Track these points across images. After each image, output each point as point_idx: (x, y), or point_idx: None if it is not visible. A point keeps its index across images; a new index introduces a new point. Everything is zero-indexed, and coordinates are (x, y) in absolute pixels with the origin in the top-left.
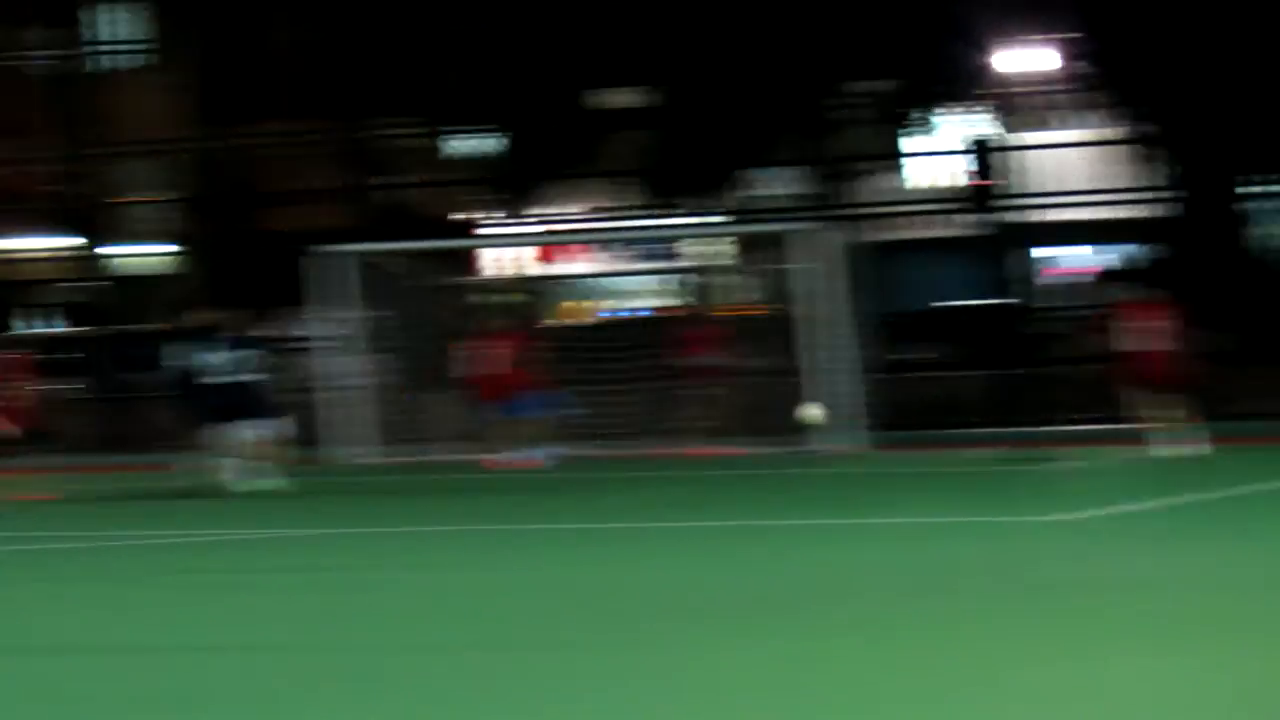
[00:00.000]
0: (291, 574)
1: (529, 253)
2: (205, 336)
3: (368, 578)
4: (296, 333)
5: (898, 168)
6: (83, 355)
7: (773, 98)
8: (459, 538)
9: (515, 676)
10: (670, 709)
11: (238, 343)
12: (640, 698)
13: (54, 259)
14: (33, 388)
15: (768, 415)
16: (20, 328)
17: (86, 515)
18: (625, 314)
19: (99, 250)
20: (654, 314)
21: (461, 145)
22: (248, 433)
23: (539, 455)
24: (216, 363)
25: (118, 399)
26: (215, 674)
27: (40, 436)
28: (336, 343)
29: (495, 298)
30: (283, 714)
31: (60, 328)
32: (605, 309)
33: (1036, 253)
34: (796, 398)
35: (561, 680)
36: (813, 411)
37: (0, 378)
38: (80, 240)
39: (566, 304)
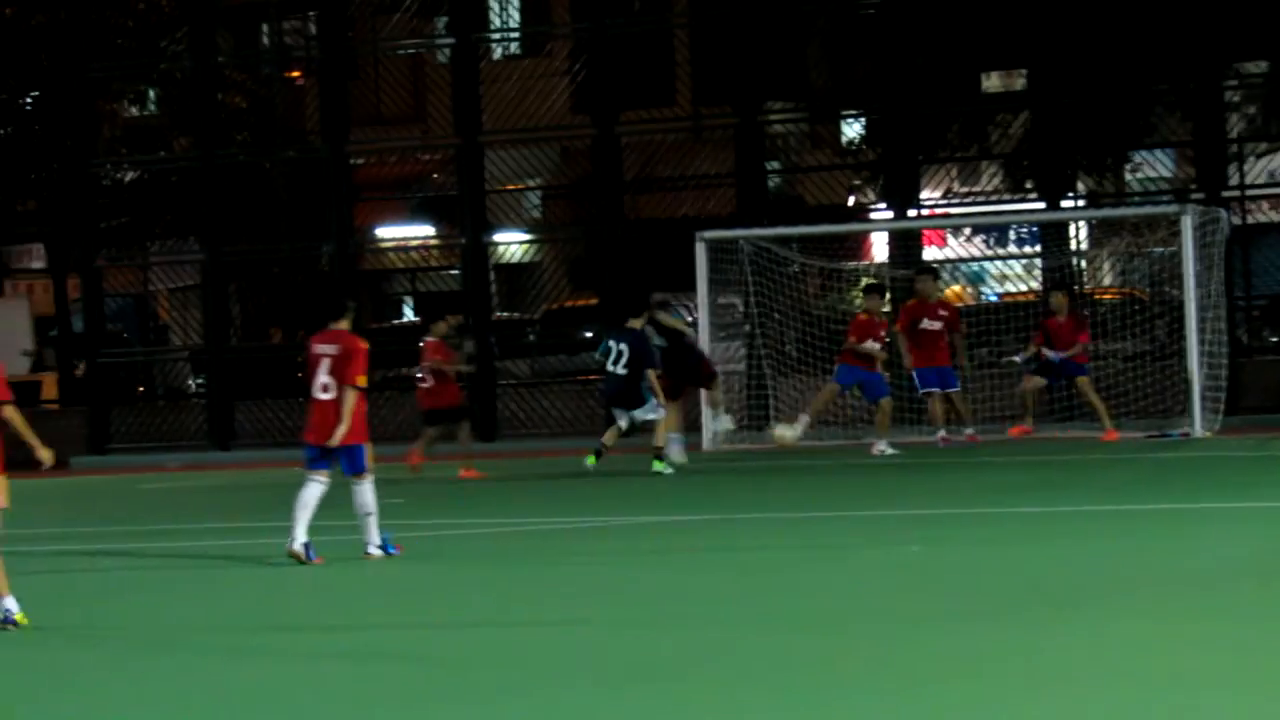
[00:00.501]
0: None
1: (913, 237)
2: (593, 325)
3: (776, 558)
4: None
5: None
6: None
7: (1153, 78)
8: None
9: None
10: (1023, 689)
11: (618, 336)
12: (1011, 675)
13: (441, 246)
14: (450, 370)
15: (1130, 399)
16: (408, 315)
17: (523, 498)
18: (995, 298)
19: (475, 238)
20: (1025, 299)
21: (845, 130)
22: (623, 420)
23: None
24: (603, 354)
25: (501, 385)
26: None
27: (460, 415)
28: (723, 327)
29: (877, 281)
30: (758, 684)
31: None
32: (985, 293)
33: None
34: (1163, 381)
35: (937, 656)
36: (787, 432)
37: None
38: (457, 227)
39: (947, 288)
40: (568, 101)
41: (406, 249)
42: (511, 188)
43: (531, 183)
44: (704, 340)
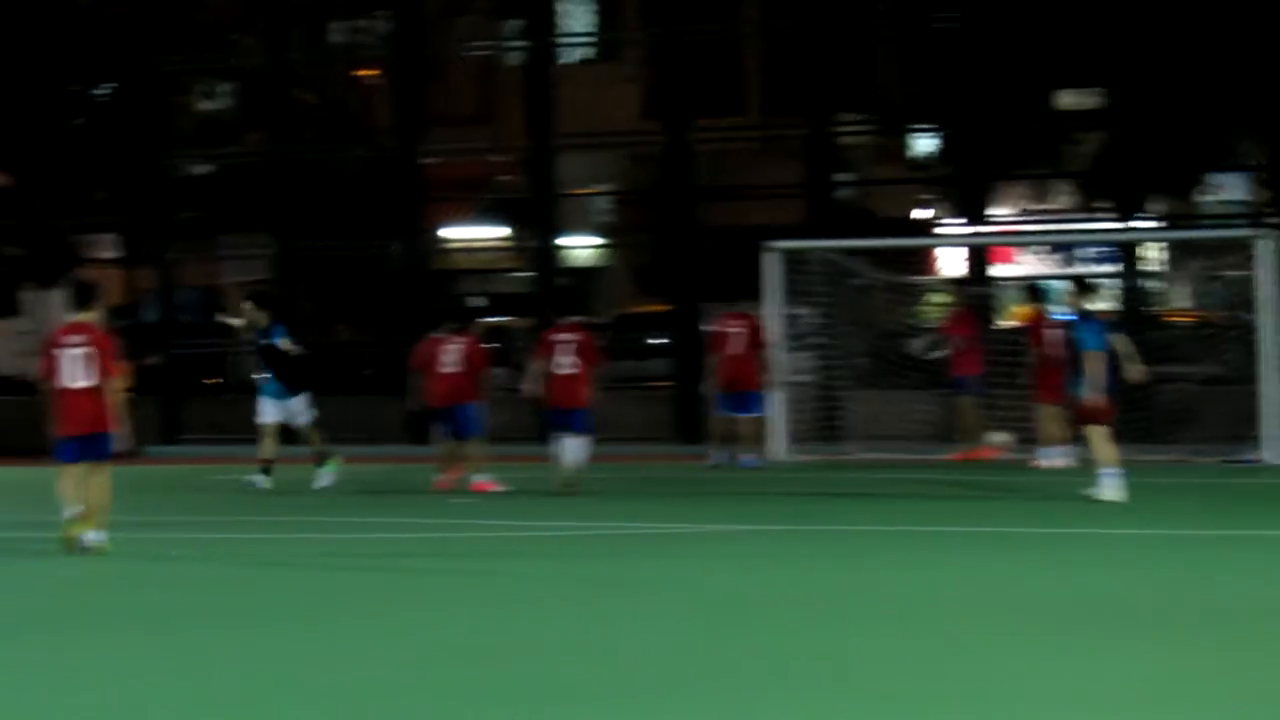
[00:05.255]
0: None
1: (981, 253)
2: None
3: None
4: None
5: None
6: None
7: (1231, 100)
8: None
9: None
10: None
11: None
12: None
13: (504, 248)
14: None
15: (1202, 424)
16: (470, 317)
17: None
18: (1064, 318)
19: (544, 241)
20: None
21: (917, 144)
22: None
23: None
24: None
25: None
26: None
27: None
28: (789, 338)
29: (945, 297)
30: None
31: (507, 317)
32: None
33: None
34: (1235, 406)
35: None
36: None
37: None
38: (526, 230)
39: (1015, 306)
40: (638, 107)
41: (474, 250)
42: (581, 192)
43: (601, 187)
44: (779, 350)
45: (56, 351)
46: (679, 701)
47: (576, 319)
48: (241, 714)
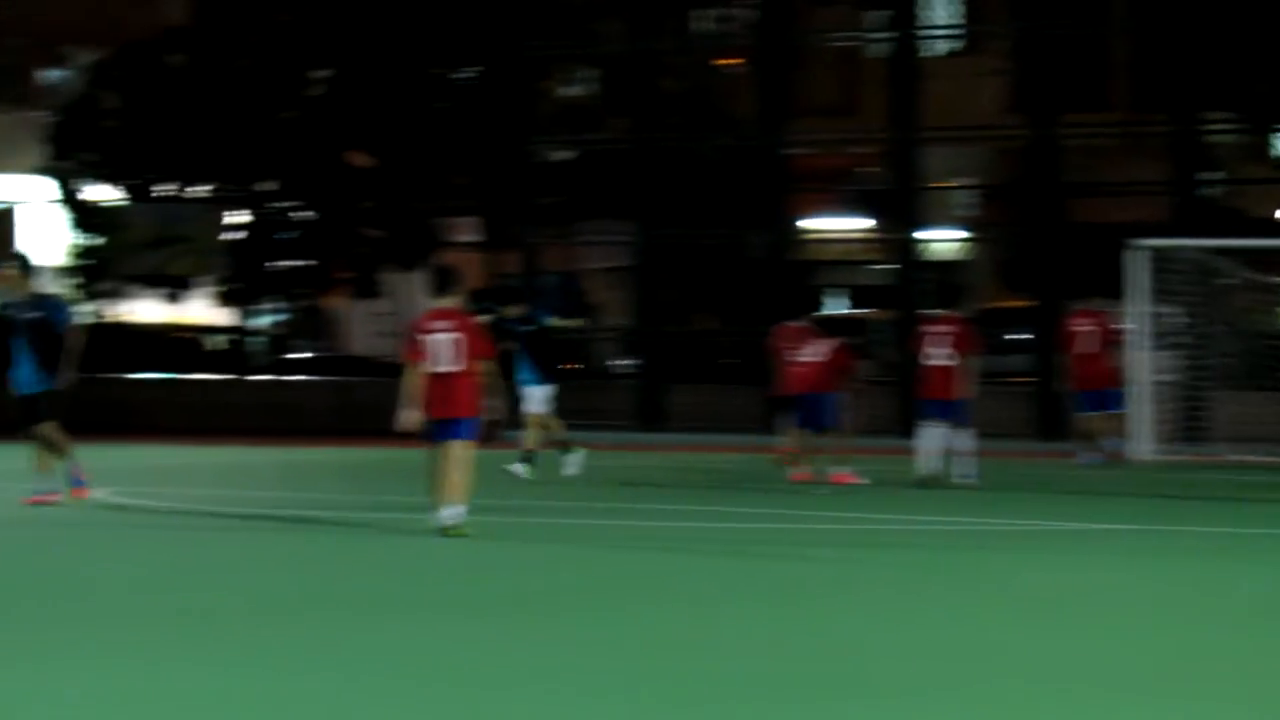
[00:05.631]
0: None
1: None
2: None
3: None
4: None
5: None
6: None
7: None
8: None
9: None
10: None
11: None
12: None
13: (864, 240)
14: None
15: None
16: (825, 308)
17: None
18: None
19: (905, 234)
20: None
21: None
22: None
23: None
24: None
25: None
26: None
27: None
28: (1151, 338)
29: None
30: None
31: (866, 309)
32: None
33: None
34: None
35: None
36: None
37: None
38: (888, 222)
39: None
40: (1003, 101)
41: (834, 241)
42: (943, 185)
43: (964, 181)
44: (1139, 349)
45: (423, 336)
46: (992, 699)
47: (950, 311)
48: (585, 696)
